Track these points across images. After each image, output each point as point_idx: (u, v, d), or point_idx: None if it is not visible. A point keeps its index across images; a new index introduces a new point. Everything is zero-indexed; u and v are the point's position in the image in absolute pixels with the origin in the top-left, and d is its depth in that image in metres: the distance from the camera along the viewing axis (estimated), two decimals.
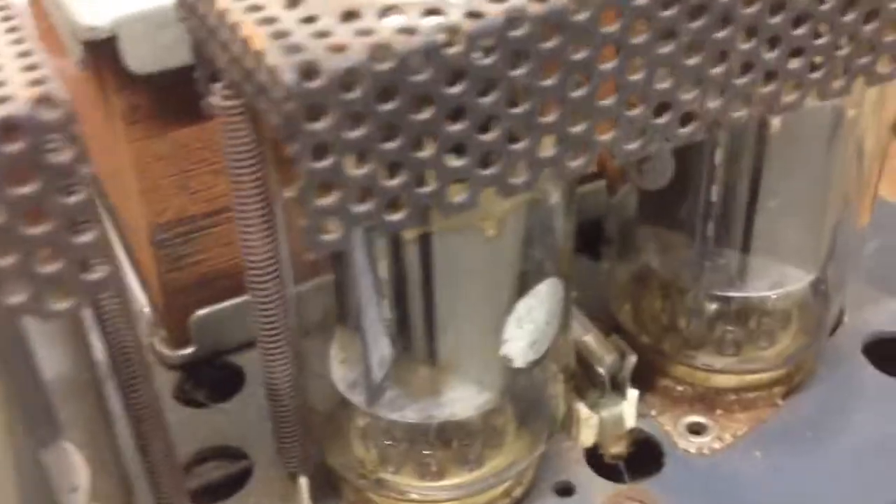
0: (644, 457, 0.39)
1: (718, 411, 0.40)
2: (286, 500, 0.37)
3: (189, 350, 0.42)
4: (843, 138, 0.35)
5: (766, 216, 0.36)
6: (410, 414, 0.33)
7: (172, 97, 0.35)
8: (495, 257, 0.29)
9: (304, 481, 0.35)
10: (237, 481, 0.39)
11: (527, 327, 0.31)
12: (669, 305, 0.41)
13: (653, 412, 0.40)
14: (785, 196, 0.36)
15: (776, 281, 0.38)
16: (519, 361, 0.32)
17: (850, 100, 0.33)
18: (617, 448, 0.39)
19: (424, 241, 0.29)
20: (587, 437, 0.39)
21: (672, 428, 0.40)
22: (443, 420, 0.34)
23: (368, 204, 0.25)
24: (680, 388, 0.41)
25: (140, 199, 0.39)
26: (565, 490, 0.38)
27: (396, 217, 0.25)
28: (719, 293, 0.39)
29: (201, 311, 0.41)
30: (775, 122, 0.34)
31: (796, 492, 0.37)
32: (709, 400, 0.40)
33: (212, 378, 0.43)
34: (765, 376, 0.40)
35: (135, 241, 0.43)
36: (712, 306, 0.40)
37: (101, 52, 0.34)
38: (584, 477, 0.38)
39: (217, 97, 0.27)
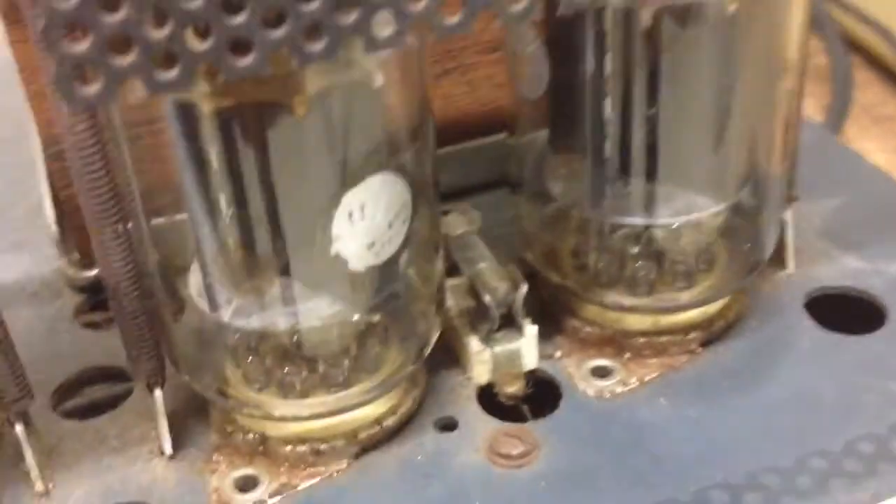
0: (545, 399, 0.37)
1: (627, 355, 0.37)
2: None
3: (95, 272, 0.41)
4: (738, 38, 0.31)
5: (665, 132, 0.33)
6: (255, 321, 0.31)
7: None
8: (309, 141, 0.27)
9: (158, 394, 0.34)
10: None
11: (360, 225, 0.29)
12: (576, 240, 0.38)
13: (558, 353, 0.38)
14: (681, 108, 0.33)
15: (682, 207, 0.35)
16: (355, 263, 0.29)
17: None
18: (512, 388, 0.36)
19: (231, 119, 0.27)
20: (480, 373, 0.36)
21: (575, 370, 0.37)
22: (289, 329, 0.32)
23: (132, 55, 0.23)
24: (588, 328, 0.38)
25: (30, 106, 0.38)
26: (447, 426, 0.35)
27: (167, 75, 0.24)
28: (621, 221, 0.35)
29: None
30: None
31: (699, 441, 0.34)
32: (618, 343, 0.37)
33: None
34: (679, 319, 0.37)
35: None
36: (617, 238, 0.37)
37: None
38: (471, 414, 0.36)
39: None
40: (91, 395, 0.39)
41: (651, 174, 0.34)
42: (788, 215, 0.40)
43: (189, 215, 0.29)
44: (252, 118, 0.27)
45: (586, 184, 0.35)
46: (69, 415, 0.37)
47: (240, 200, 0.28)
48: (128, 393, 0.38)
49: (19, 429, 0.33)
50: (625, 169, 0.34)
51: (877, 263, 0.40)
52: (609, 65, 0.32)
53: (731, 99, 0.33)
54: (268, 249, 0.30)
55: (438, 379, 0.37)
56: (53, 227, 0.42)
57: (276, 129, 0.27)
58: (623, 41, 0.32)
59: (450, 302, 0.37)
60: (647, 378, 0.36)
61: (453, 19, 0.25)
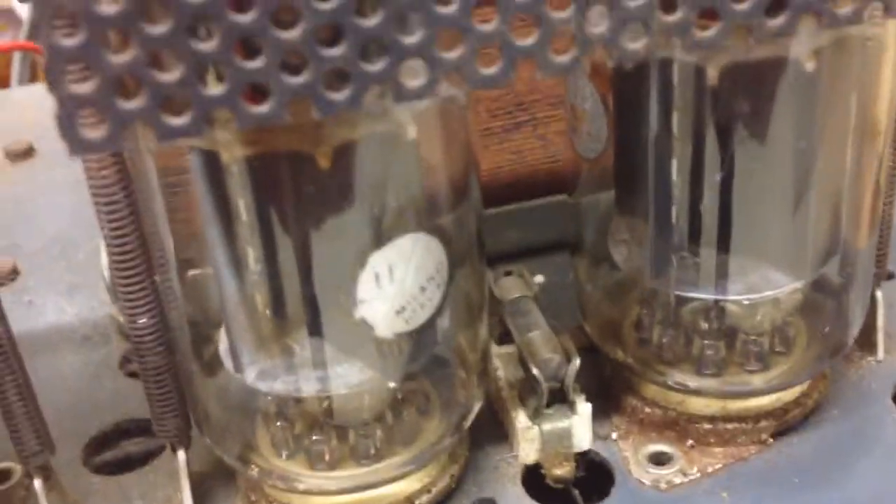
0: (598, 484, 0.34)
1: (690, 442, 0.34)
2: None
3: None
4: (818, 98, 0.28)
5: (736, 198, 0.30)
6: (279, 385, 0.29)
7: None
8: (331, 194, 0.25)
9: (181, 456, 0.32)
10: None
11: (388, 288, 0.27)
12: (638, 312, 0.35)
13: (614, 435, 0.35)
14: (753, 173, 0.30)
15: (755, 283, 0.32)
16: (384, 329, 0.27)
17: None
18: (561, 470, 0.33)
19: (255, 169, 0.25)
20: (526, 452, 0.33)
21: (632, 455, 0.34)
22: (317, 395, 0.30)
23: (139, 99, 0.22)
24: (649, 409, 0.35)
25: None
26: None
27: (178, 121, 0.22)
28: (686, 294, 0.32)
29: None
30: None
31: None
32: (681, 428, 0.34)
33: None
34: (750, 405, 0.34)
35: None
36: (684, 312, 0.34)
37: None
38: (513, 497, 0.33)
39: None
40: (126, 448, 0.37)
41: (721, 245, 0.31)
42: (879, 295, 0.36)
43: (213, 268, 0.28)
44: (274, 169, 0.25)
45: (649, 251, 0.32)
46: (99, 469, 0.36)
47: (261, 254, 0.26)
48: (161, 449, 0.36)
49: (38, 484, 0.32)
50: (692, 237, 0.31)
51: None
52: (675, 124, 0.30)
53: (810, 164, 0.30)
54: (292, 309, 0.28)
55: (482, 455, 0.34)
56: (107, 272, 0.41)
57: (298, 180, 0.25)
58: (691, 98, 0.29)
59: (500, 371, 0.34)
60: (709, 469, 0.33)
61: (490, 70, 0.23)
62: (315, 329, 0.28)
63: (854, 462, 0.33)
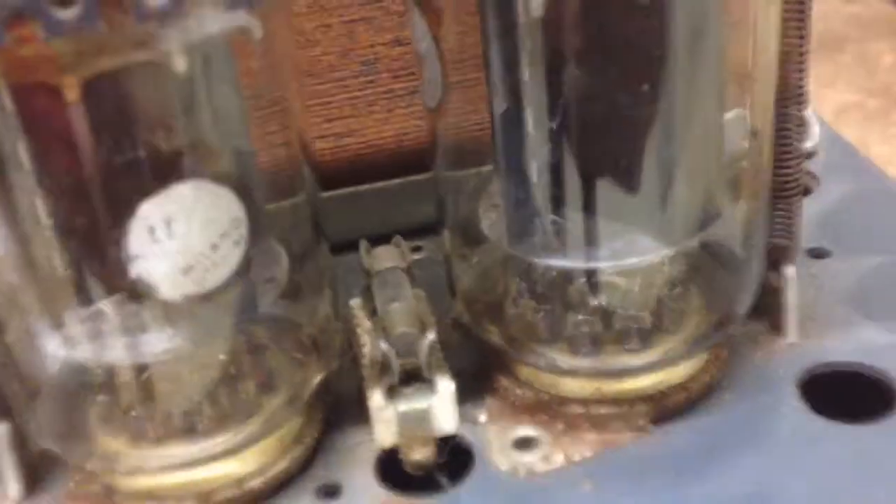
0: (461, 472, 0.31)
1: (560, 426, 0.31)
2: None
3: None
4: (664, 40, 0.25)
5: (596, 161, 0.27)
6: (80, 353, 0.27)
7: None
8: (85, 131, 0.23)
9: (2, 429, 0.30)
10: None
11: (168, 244, 0.24)
12: (508, 288, 0.32)
13: (482, 417, 0.32)
14: (612, 134, 0.26)
15: (620, 250, 0.28)
16: (167, 290, 0.25)
17: None
18: (419, 455, 0.31)
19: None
20: (382, 434, 0.31)
21: (496, 439, 0.31)
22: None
23: None
24: (520, 391, 0.31)
25: None
26: (330, 491, 0.30)
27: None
28: (547, 262, 0.29)
29: None
30: None
31: None
32: (553, 411, 0.31)
33: None
34: (626, 387, 0.30)
35: None
36: (553, 285, 0.31)
37: None
38: (360, 481, 0.30)
39: None
40: None
41: (584, 208, 0.28)
42: (790, 272, 0.33)
43: None
44: (24, 102, 0.23)
45: (505, 214, 0.29)
46: None
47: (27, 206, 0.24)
48: None
49: None
50: (553, 200, 0.28)
51: None
52: (522, 69, 0.27)
53: (669, 122, 0.26)
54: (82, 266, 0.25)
55: (340, 438, 0.32)
56: None
57: (48, 115, 0.22)
58: (537, 43, 0.26)
59: (366, 347, 0.32)
60: (577, 457, 0.30)
61: None
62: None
63: (737, 455, 0.29)
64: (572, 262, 0.29)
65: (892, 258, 0.37)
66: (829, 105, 1.17)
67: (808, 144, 0.44)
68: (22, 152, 0.24)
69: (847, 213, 0.40)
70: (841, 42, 1.21)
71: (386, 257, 0.34)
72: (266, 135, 0.28)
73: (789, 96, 0.30)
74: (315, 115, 0.38)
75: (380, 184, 0.40)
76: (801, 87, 0.30)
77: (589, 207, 0.28)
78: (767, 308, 0.33)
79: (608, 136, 0.26)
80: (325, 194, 0.35)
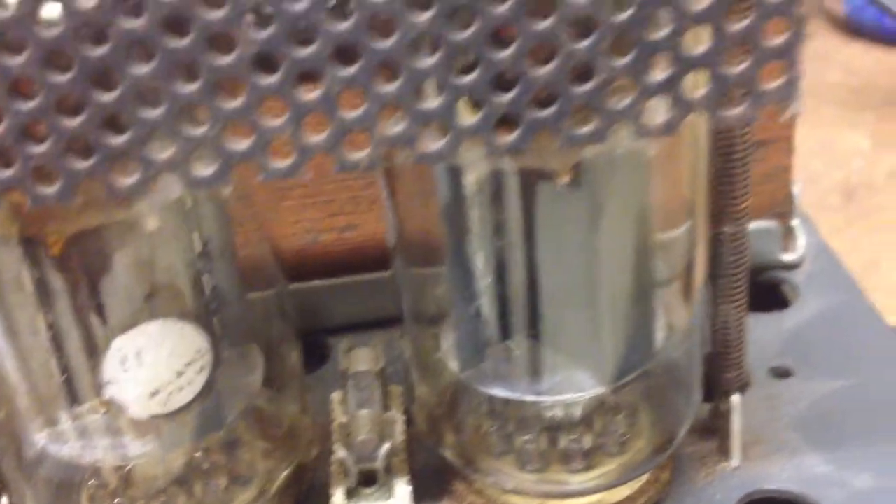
0: None
1: None
2: None
3: None
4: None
5: (537, 299, 0.29)
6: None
7: None
8: (69, 281, 0.26)
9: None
10: None
11: (137, 372, 0.27)
12: (457, 404, 0.34)
13: None
14: (551, 278, 0.29)
15: (559, 385, 0.31)
16: (136, 411, 0.28)
17: None
18: None
19: None
20: None
21: None
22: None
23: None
24: (472, 498, 0.34)
25: None
26: None
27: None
28: (493, 392, 0.32)
29: None
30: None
31: None
32: None
33: None
34: None
35: None
36: (502, 406, 0.33)
37: None
38: None
39: None
40: None
41: (528, 342, 0.31)
42: (735, 399, 0.35)
43: None
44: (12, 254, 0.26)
45: (457, 343, 0.32)
46: None
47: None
48: None
49: None
50: (500, 332, 0.31)
51: (845, 471, 0.34)
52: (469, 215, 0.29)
53: (598, 272, 0.29)
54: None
55: None
56: None
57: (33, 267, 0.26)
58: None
59: (336, 446, 0.34)
60: None
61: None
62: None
63: None
64: (517, 393, 0.31)
65: (850, 383, 0.38)
66: (883, 167, 1.16)
67: (793, 256, 0.46)
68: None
69: (818, 331, 0.41)
70: None
71: (361, 360, 0.36)
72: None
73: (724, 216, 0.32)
74: None
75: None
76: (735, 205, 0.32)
77: (532, 345, 0.31)
78: (718, 429, 0.35)
79: (535, 291, 0.29)
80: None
